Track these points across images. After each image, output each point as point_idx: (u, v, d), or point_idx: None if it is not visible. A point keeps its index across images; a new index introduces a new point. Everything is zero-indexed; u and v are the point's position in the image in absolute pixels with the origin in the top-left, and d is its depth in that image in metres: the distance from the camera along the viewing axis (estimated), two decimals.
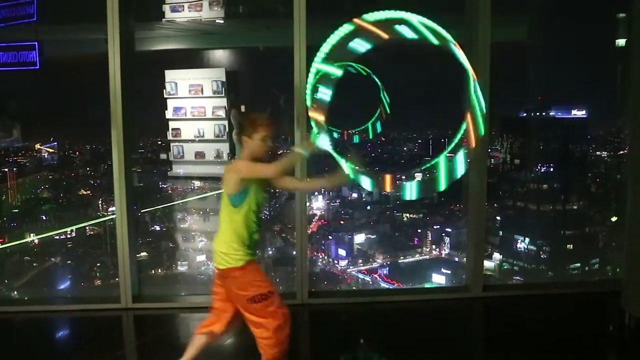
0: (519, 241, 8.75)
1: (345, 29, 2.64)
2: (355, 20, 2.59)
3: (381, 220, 9.82)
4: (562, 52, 8.13)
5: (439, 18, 2.62)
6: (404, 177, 2.71)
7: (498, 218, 8.85)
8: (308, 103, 2.94)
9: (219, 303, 3.04)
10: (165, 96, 5.78)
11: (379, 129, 4.68)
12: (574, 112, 8.42)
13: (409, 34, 2.54)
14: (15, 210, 7.80)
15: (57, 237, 7.75)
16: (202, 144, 5.85)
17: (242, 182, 2.83)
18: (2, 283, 6.64)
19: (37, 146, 7.88)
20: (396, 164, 9.60)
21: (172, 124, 5.85)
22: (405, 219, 9.97)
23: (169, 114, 5.82)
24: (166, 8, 5.28)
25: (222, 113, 5.74)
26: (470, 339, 4.37)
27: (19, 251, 7.39)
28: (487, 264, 7.94)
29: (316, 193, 8.81)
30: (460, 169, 2.61)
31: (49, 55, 4.72)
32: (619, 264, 5.16)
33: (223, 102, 5.75)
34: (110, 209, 7.37)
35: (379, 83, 4.48)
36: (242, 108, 5.87)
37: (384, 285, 8.97)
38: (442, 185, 2.66)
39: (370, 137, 4.71)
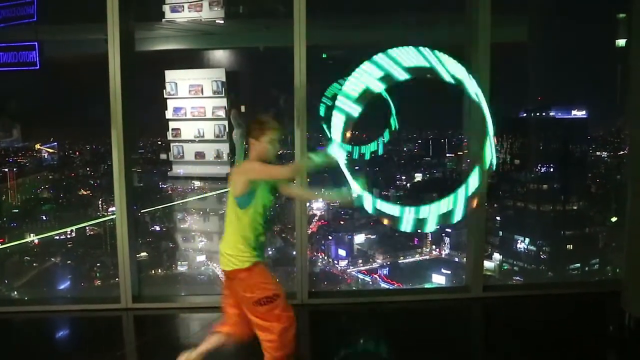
0: (519, 241, 8.73)
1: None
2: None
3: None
4: (562, 53, 8.13)
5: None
6: (410, 210, 2.73)
7: (498, 218, 8.83)
8: (335, 112, 2.87)
9: (231, 309, 3.01)
10: (165, 96, 5.78)
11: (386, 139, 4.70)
12: (574, 112, 8.41)
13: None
14: (15, 211, 7.79)
15: (57, 237, 7.74)
16: (202, 144, 5.86)
17: (250, 184, 2.82)
18: (2, 283, 6.64)
19: (37, 146, 7.87)
20: (396, 164, 9.61)
21: (172, 124, 5.86)
22: None
23: (169, 114, 5.82)
24: (166, 8, 5.28)
25: (222, 113, 5.74)
26: (470, 339, 4.37)
27: (19, 251, 7.38)
28: (487, 264, 7.93)
29: (316, 193, 8.81)
30: (458, 216, 2.63)
31: (49, 55, 4.72)
32: (618, 265, 5.16)
33: (223, 102, 5.75)
34: (110, 209, 7.36)
35: (389, 100, 4.44)
36: (242, 108, 5.88)
37: (384, 285, 8.97)
38: (432, 226, 2.69)
39: (380, 153, 4.71)
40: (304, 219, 4.64)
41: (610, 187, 8.46)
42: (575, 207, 8.78)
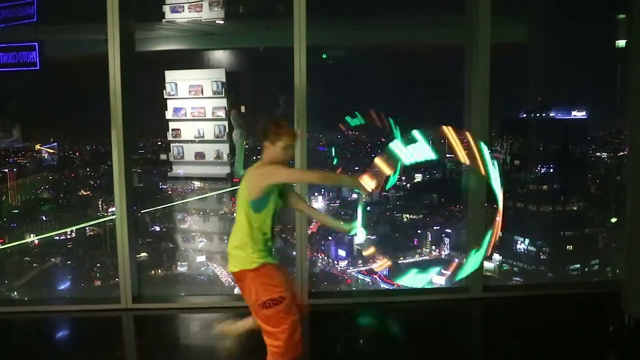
0: (519, 242, 8.73)
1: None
2: None
3: (381, 221, 9.80)
4: (562, 53, 8.12)
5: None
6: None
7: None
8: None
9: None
10: (165, 97, 5.78)
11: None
12: (574, 112, 8.41)
13: None
14: (15, 211, 7.79)
15: (57, 238, 7.74)
16: (202, 144, 5.86)
17: (268, 188, 2.79)
18: (2, 283, 6.64)
19: (37, 147, 7.87)
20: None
21: (172, 125, 5.86)
22: (405, 219, 9.95)
23: (169, 114, 5.82)
24: (166, 8, 5.29)
25: (222, 114, 5.75)
26: (470, 340, 4.38)
27: (19, 252, 7.38)
28: (487, 264, 7.92)
29: (316, 193, 8.80)
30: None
31: (49, 56, 4.72)
32: (618, 265, 5.15)
33: (223, 102, 5.76)
34: (110, 209, 7.36)
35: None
36: (242, 109, 5.88)
37: (383, 285, 8.96)
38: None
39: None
40: (303, 219, 4.63)
41: (610, 187, 8.47)
42: (575, 208, 8.78)
